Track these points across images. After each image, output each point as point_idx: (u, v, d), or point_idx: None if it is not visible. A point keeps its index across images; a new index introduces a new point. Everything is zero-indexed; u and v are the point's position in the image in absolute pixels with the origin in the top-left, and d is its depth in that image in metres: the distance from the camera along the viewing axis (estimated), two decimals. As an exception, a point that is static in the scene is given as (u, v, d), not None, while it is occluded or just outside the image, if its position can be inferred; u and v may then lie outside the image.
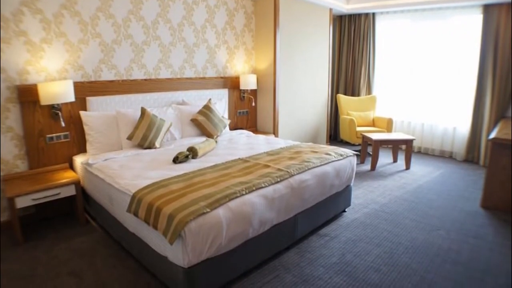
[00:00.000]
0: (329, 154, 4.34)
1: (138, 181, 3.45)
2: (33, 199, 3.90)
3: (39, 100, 4.13)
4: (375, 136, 6.63)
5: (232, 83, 6.53)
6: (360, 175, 6.23)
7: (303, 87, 7.31)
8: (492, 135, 4.79)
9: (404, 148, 7.00)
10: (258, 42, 6.84)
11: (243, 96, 6.80)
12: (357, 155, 4.75)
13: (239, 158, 4.20)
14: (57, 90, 4.13)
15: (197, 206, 2.79)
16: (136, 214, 3.05)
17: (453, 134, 7.45)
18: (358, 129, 7.43)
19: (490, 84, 6.67)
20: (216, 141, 5.02)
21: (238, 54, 6.66)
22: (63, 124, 4.39)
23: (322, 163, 4.08)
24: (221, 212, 2.87)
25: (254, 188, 3.25)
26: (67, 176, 4.27)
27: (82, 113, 4.54)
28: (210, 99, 5.69)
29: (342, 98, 8.10)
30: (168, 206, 2.81)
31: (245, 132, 6.02)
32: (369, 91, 8.58)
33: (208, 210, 2.79)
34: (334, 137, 9.43)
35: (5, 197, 3.92)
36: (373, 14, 8.23)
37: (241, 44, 6.67)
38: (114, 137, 4.65)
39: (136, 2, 5.02)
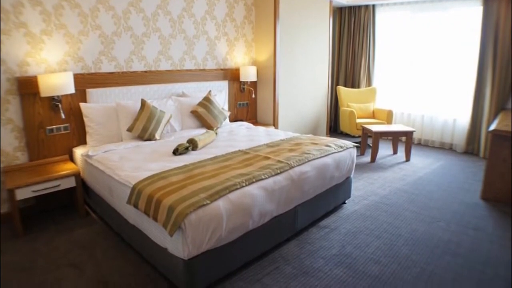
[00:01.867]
0: (329, 146, 4.34)
1: (138, 172, 3.45)
2: (33, 191, 3.91)
3: (39, 92, 4.13)
4: (375, 128, 6.63)
5: (232, 75, 6.52)
6: (360, 167, 6.23)
7: (303, 79, 7.29)
8: (492, 126, 4.79)
9: (404, 140, 7.00)
10: (258, 34, 6.81)
11: (243, 88, 6.79)
12: (357, 147, 4.76)
13: (239, 150, 4.20)
14: (57, 82, 4.12)
15: (197, 198, 2.79)
16: (136, 206, 3.06)
17: (453, 125, 7.44)
18: (358, 121, 7.42)
19: (490, 76, 6.64)
20: (216, 133, 5.01)
21: (238, 46, 6.64)
22: (63, 116, 4.39)
23: (322, 155, 4.08)
24: (221, 204, 2.87)
25: (254, 180, 3.25)
26: (67, 168, 4.27)
27: (82, 105, 4.53)
28: (210, 91, 5.68)
29: (342, 90, 8.09)
30: (168, 198, 2.81)
31: (245, 124, 6.02)
32: (369, 83, 8.57)
33: (208, 202, 2.79)
34: (334, 129, 9.43)
35: (5, 189, 3.92)
36: (373, 6, 8.20)
37: (241, 36, 6.65)
38: (114, 129, 4.65)
39: (136, -7, 5.01)
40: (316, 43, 7.45)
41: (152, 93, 5.28)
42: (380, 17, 8.25)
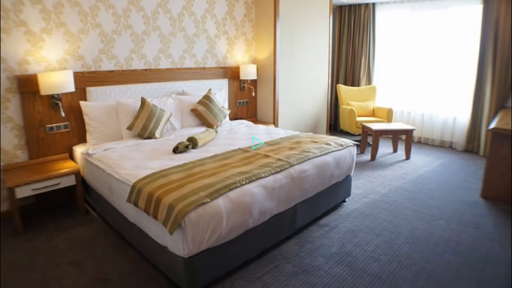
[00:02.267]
0: (329, 144, 4.33)
1: (138, 171, 3.45)
2: (33, 189, 3.91)
3: (39, 90, 4.13)
4: (375, 126, 6.63)
5: (232, 73, 6.51)
6: (360, 165, 6.23)
7: (303, 77, 7.28)
8: (492, 125, 4.78)
9: (404, 138, 6.99)
10: (258, 32, 6.81)
11: (243, 86, 6.79)
12: (357, 145, 4.75)
13: (239, 148, 4.20)
14: (57, 80, 4.12)
15: (197, 196, 2.79)
16: (136, 204, 3.06)
17: (453, 124, 7.44)
18: (358, 119, 7.42)
19: (490, 74, 6.64)
20: (216, 131, 5.01)
21: (238, 44, 6.64)
22: (63, 114, 4.39)
23: (322, 153, 4.08)
24: (221, 202, 2.87)
25: (254, 178, 3.25)
26: (67, 166, 4.27)
27: (82, 103, 4.53)
28: (210, 89, 5.67)
29: (342, 88, 8.09)
30: (168, 196, 2.81)
31: (245, 122, 6.01)
32: (369, 81, 8.57)
33: (208, 200, 2.79)
34: (334, 127, 9.42)
35: (5, 187, 3.92)
36: (373, 4, 8.19)
37: (241, 34, 6.64)
38: (114, 127, 4.65)
39: (136, -8, 5.01)
40: (316, 41, 7.44)
41: (152, 92, 5.28)
42: (380, 15, 8.25)
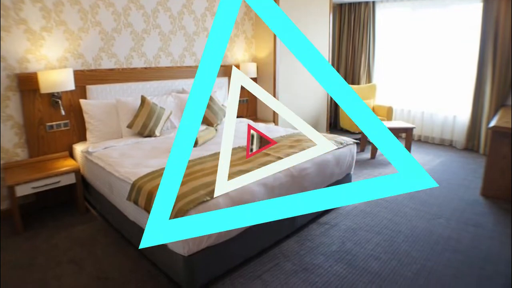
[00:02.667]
0: (329, 143, 4.32)
1: (138, 169, 3.45)
2: (33, 188, 3.91)
3: (39, 88, 4.13)
4: (375, 124, 6.61)
5: (232, 72, 6.49)
6: (360, 163, 6.22)
7: (303, 75, 7.26)
8: (492, 123, 4.78)
9: (404, 137, 6.98)
10: (258, 30, 6.81)
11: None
12: (357, 143, 4.75)
13: (239, 147, 4.20)
14: (57, 79, 4.12)
15: (197, 195, 2.79)
16: (136, 202, 3.06)
17: (453, 122, 7.43)
18: (358, 117, 7.39)
19: (490, 73, 6.63)
20: (216, 130, 5.01)
21: (238, 42, 6.63)
22: (63, 112, 4.39)
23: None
24: (221, 200, 2.87)
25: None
26: (67, 164, 4.27)
27: (82, 101, 4.53)
28: (210, 88, 5.65)
29: (342, 86, 8.07)
30: (168, 194, 2.81)
31: (245, 120, 6.00)
32: (369, 79, 8.56)
33: (208, 198, 2.80)
34: (334, 125, 9.41)
35: (5, 185, 3.91)
36: (373, 2, 8.18)
37: (241, 32, 6.64)
38: (114, 125, 4.65)
39: (135, -10, 5.01)
40: (316, 40, 7.42)
41: (152, 90, 5.28)
42: (380, 13, 8.23)
